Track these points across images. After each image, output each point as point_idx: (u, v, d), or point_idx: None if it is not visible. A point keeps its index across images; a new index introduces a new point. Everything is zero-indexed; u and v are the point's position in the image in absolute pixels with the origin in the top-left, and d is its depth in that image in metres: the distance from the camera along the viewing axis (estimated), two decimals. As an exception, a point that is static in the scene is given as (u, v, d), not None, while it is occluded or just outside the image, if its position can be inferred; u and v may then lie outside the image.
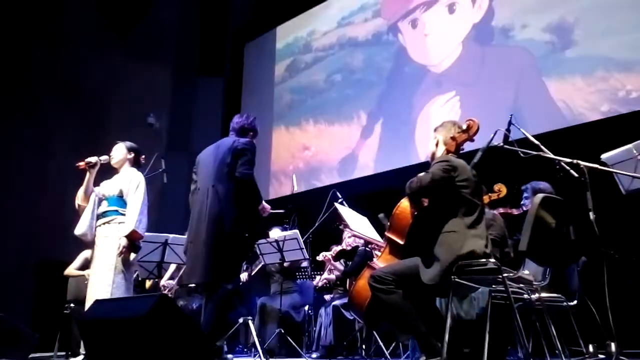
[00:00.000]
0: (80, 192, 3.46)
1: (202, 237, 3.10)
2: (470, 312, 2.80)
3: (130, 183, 3.41)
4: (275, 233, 4.80)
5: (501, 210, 3.37)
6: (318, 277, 5.04)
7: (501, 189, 3.25)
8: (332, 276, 4.98)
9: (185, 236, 4.26)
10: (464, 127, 2.57)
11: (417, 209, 2.56)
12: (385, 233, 2.70)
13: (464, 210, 2.35)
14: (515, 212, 3.44)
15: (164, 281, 4.88)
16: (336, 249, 4.86)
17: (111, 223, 3.37)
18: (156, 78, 8.18)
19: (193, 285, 4.81)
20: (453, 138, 2.57)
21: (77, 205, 3.49)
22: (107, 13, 7.98)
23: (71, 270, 4.75)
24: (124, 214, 3.36)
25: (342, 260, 4.95)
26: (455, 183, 2.37)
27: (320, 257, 4.94)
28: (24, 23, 7.63)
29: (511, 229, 3.20)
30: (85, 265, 4.64)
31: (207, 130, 8.09)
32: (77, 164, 3.42)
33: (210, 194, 3.14)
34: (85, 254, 4.66)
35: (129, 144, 3.62)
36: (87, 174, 3.43)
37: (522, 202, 3.48)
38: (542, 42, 4.87)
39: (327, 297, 5.03)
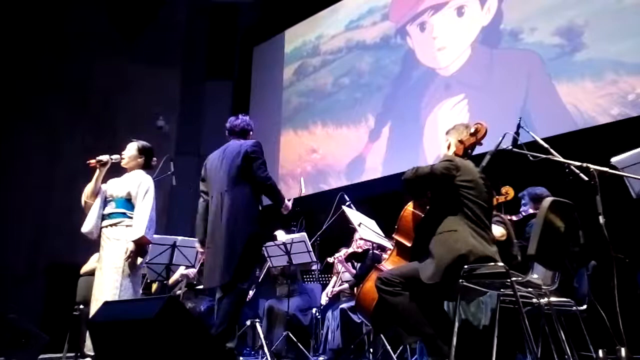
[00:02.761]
0: (88, 189, 3.44)
1: (219, 241, 3.12)
2: (477, 315, 2.78)
3: (140, 187, 3.39)
4: (280, 235, 4.81)
5: (502, 215, 3.36)
6: (325, 295, 5.01)
7: (508, 191, 3.24)
8: (345, 285, 4.95)
9: (194, 239, 4.29)
10: (472, 130, 2.58)
11: (418, 206, 2.56)
12: (393, 235, 2.71)
13: (466, 211, 2.35)
14: (514, 218, 3.44)
15: (178, 274, 4.89)
16: (347, 251, 4.84)
17: (118, 225, 3.36)
18: (165, 81, 8.23)
19: (202, 287, 4.84)
20: (461, 141, 2.57)
21: (83, 202, 3.47)
22: (116, 17, 8.06)
23: (86, 267, 4.75)
24: (131, 217, 3.35)
25: (353, 261, 4.93)
26: (455, 183, 2.36)
27: (331, 259, 4.93)
28: (35, 27, 7.72)
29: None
30: None
31: (216, 133, 8.11)
32: (88, 161, 3.42)
33: (226, 198, 3.17)
34: (97, 255, 4.68)
35: (141, 144, 3.60)
36: (97, 171, 3.43)
37: (521, 209, 3.49)
38: (552, 45, 4.85)
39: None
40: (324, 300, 4.98)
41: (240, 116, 3.51)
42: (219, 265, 3.10)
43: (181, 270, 4.92)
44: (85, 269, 4.75)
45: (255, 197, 3.23)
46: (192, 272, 4.90)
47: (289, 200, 3.40)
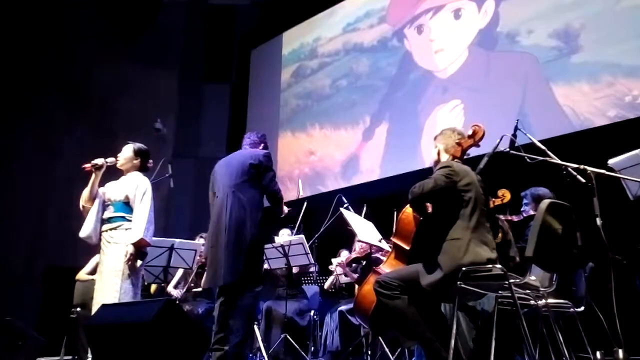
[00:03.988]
0: (85, 194, 3.43)
1: (223, 241, 3.13)
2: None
3: (137, 189, 3.38)
4: (285, 234, 4.81)
5: (501, 217, 3.35)
6: (330, 280, 5.01)
7: (505, 194, 3.23)
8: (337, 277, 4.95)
9: (191, 241, 4.27)
10: (470, 132, 2.58)
11: (420, 215, 2.56)
12: (391, 238, 2.70)
13: (468, 215, 2.35)
14: (515, 218, 3.43)
15: (171, 286, 4.88)
16: (350, 256, 4.82)
17: (118, 229, 3.35)
18: (163, 84, 8.24)
19: (199, 289, 4.83)
20: (459, 144, 2.57)
21: (81, 207, 3.46)
22: (114, 20, 8.06)
23: (82, 274, 4.75)
24: (130, 220, 3.34)
25: (354, 265, 4.92)
26: (457, 188, 2.37)
27: (332, 267, 4.91)
28: (34, 30, 7.72)
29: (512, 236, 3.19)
30: (96, 270, 4.64)
31: (214, 135, 8.14)
32: (83, 166, 3.42)
33: (230, 199, 3.19)
34: (96, 259, 4.65)
35: (137, 146, 3.59)
36: (93, 175, 3.42)
37: (522, 209, 3.48)
38: (548, 48, 4.86)
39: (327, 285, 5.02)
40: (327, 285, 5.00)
41: (255, 132, 3.66)
42: (223, 265, 3.09)
43: (170, 288, 4.89)
44: (80, 276, 4.73)
45: (261, 202, 3.30)
46: (178, 293, 4.87)
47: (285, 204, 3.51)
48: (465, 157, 2.63)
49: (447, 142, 2.62)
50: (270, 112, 7.69)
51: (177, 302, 4.85)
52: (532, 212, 3.40)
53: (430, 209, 2.52)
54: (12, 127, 7.40)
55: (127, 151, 3.56)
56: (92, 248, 3.60)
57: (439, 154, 2.65)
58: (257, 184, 3.28)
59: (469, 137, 2.58)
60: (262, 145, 3.55)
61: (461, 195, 2.37)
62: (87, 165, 3.41)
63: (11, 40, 7.50)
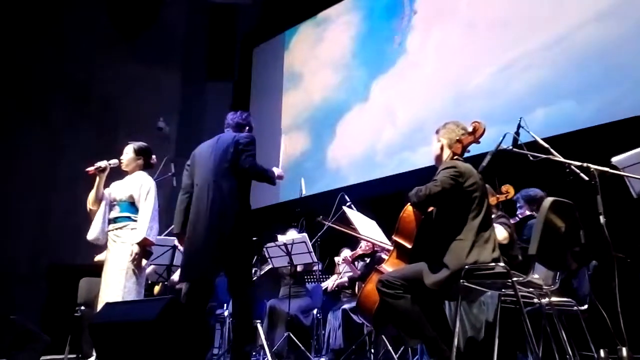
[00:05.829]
0: (91, 197, 3.47)
1: (201, 233, 2.98)
2: (479, 317, 2.78)
3: (141, 189, 3.41)
4: (292, 235, 4.81)
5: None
6: (331, 280, 5.01)
7: (509, 190, 3.24)
8: (345, 278, 4.95)
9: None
10: (470, 129, 2.57)
11: (422, 213, 2.55)
12: (393, 237, 2.69)
13: (472, 215, 2.35)
14: (512, 221, 3.44)
15: (176, 276, 4.87)
16: (356, 252, 4.82)
17: (123, 229, 3.38)
18: (165, 83, 8.24)
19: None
20: (459, 140, 2.56)
21: (88, 209, 3.51)
22: (116, 19, 8.07)
23: (102, 256, 4.67)
24: (135, 220, 3.38)
25: (357, 262, 4.92)
26: (463, 189, 2.36)
27: (338, 259, 4.91)
28: (35, 29, 7.73)
29: None
30: None
31: (216, 134, 8.11)
32: (86, 169, 3.43)
33: (212, 189, 3.04)
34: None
35: (137, 145, 3.60)
36: (97, 178, 3.45)
37: (517, 212, 3.50)
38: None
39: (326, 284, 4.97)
40: (329, 283, 4.97)
41: (239, 112, 3.44)
42: (201, 258, 2.96)
43: (176, 277, 4.88)
44: (98, 258, 4.68)
45: (242, 192, 3.09)
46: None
47: (277, 175, 3.29)
48: (466, 154, 2.62)
49: (450, 136, 2.60)
50: (273, 110, 7.68)
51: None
52: (527, 213, 3.43)
53: (431, 208, 2.52)
54: (15, 126, 7.41)
55: (129, 152, 3.59)
56: (96, 246, 3.61)
57: (442, 148, 2.63)
58: (236, 173, 3.08)
59: (470, 134, 2.57)
60: (248, 127, 3.36)
61: (466, 196, 2.36)
62: (91, 169, 3.43)
63: (13, 40, 7.51)
